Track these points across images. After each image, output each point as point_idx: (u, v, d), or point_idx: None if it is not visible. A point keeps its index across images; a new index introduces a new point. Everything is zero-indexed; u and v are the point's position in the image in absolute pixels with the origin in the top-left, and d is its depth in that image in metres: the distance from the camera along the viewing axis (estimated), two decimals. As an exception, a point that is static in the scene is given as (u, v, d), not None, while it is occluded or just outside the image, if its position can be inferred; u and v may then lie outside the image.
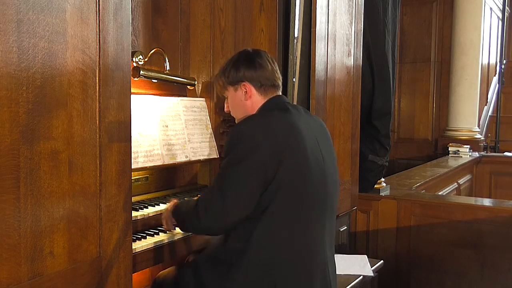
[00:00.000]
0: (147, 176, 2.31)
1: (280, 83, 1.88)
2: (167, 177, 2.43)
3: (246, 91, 1.82)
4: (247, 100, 1.82)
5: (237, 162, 1.64)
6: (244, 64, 1.83)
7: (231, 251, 1.72)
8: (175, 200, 1.95)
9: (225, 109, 1.94)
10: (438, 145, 6.86)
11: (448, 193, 5.08)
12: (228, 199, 1.63)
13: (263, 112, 1.80)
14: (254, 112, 1.82)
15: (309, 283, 1.71)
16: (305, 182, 1.68)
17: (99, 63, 1.51)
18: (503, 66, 8.03)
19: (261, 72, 1.81)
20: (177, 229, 1.98)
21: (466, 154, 6.31)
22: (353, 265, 2.72)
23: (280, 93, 1.89)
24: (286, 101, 1.86)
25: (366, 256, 2.89)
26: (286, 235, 1.67)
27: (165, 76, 2.33)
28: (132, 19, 2.18)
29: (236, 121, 1.92)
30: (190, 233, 1.99)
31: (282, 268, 1.67)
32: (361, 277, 2.59)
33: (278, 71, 1.88)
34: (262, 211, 1.64)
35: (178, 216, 1.84)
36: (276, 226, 1.66)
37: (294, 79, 2.56)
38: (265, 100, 1.82)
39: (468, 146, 6.43)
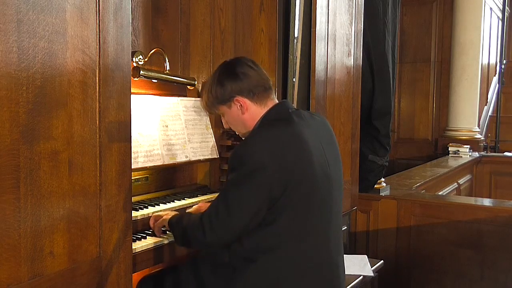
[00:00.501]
0: (147, 176, 2.30)
1: (271, 83, 1.81)
2: (167, 177, 2.43)
3: (241, 105, 1.76)
4: (244, 114, 1.77)
5: (243, 182, 1.61)
6: (228, 78, 1.76)
7: (235, 255, 1.71)
8: (169, 212, 1.93)
9: (224, 126, 1.89)
10: (438, 145, 6.86)
11: (448, 193, 5.08)
12: (235, 218, 1.61)
13: (266, 125, 1.73)
14: (255, 123, 1.76)
15: None
16: (312, 194, 1.66)
17: (99, 63, 1.51)
18: (503, 66, 8.03)
19: (247, 80, 1.74)
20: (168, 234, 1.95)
21: (466, 154, 6.31)
22: (353, 265, 2.72)
23: (274, 94, 1.82)
24: (288, 107, 1.78)
25: (366, 256, 2.89)
26: (293, 246, 1.65)
27: (165, 76, 2.33)
28: (132, 19, 2.18)
29: (241, 136, 1.87)
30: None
31: (288, 279, 1.66)
32: (361, 277, 2.59)
33: (265, 72, 1.82)
34: (269, 223, 1.63)
35: (178, 230, 1.78)
36: (283, 238, 1.64)
37: (294, 79, 2.56)
38: (265, 109, 1.76)
39: (468, 146, 6.43)
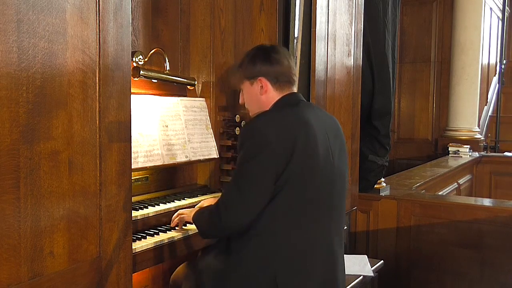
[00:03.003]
0: (147, 176, 2.30)
1: (296, 79, 1.89)
2: (167, 177, 2.43)
3: (262, 86, 1.84)
4: (262, 95, 1.85)
5: (250, 158, 1.67)
6: (261, 59, 1.84)
7: (234, 239, 1.75)
8: (196, 208, 1.98)
9: (240, 101, 1.97)
10: (438, 145, 6.86)
11: (448, 193, 5.08)
12: (245, 195, 1.66)
13: (275, 108, 1.82)
14: (269, 107, 1.84)
15: (309, 277, 1.72)
16: (313, 178, 1.69)
17: (99, 63, 1.51)
18: (503, 66, 8.03)
19: (277, 67, 1.83)
20: (177, 229, 1.99)
21: (466, 154, 6.31)
22: (353, 265, 2.72)
23: (296, 90, 1.90)
24: (300, 98, 1.86)
25: (366, 256, 2.89)
26: (289, 227, 1.68)
27: (165, 76, 2.33)
28: (132, 19, 2.18)
29: (250, 114, 1.95)
30: (190, 233, 1.99)
31: (283, 260, 1.68)
32: (361, 277, 2.59)
33: (295, 68, 1.90)
34: (268, 201, 1.66)
35: (201, 221, 1.84)
36: (280, 218, 1.68)
37: (294, 79, 2.56)
38: (280, 96, 1.84)
39: (468, 146, 6.43)
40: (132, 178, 1.67)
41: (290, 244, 1.69)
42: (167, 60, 2.34)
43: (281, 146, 1.64)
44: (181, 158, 2.28)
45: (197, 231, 1.88)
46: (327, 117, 1.88)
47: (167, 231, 1.98)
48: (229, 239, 1.78)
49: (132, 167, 1.68)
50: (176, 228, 2.01)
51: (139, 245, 1.79)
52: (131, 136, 1.64)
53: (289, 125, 1.69)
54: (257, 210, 1.67)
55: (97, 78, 1.50)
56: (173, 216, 2.03)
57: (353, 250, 3.65)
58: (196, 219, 1.87)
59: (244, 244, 1.71)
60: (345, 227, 3.33)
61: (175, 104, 2.35)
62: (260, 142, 1.65)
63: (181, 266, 2.08)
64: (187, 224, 2.04)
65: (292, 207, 1.68)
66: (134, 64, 2.15)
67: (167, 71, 2.35)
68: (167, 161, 2.20)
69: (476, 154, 6.45)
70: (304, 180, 1.67)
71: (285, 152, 1.64)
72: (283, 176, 1.64)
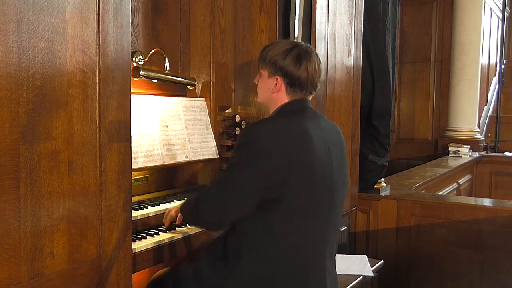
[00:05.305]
0: (147, 176, 2.30)
1: (315, 89, 1.84)
2: (167, 177, 2.43)
3: (277, 84, 1.79)
4: (273, 93, 1.80)
5: (242, 165, 1.65)
6: (291, 59, 1.76)
7: (231, 248, 1.74)
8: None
9: (255, 80, 1.91)
10: (438, 145, 6.87)
11: (448, 193, 5.08)
12: (225, 197, 1.66)
13: (280, 115, 1.78)
14: (275, 105, 1.81)
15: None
16: (311, 193, 1.67)
17: (99, 63, 1.51)
18: (503, 66, 8.03)
19: (301, 74, 1.76)
20: (177, 229, 2.00)
21: (466, 154, 6.31)
22: (353, 265, 2.72)
23: (307, 99, 1.84)
24: (306, 105, 1.81)
25: (366, 256, 2.89)
26: (285, 241, 1.66)
27: (165, 76, 2.33)
28: (132, 19, 2.18)
29: (258, 99, 1.92)
30: (190, 233, 1.99)
31: (279, 273, 1.67)
32: (361, 277, 2.59)
33: (318, 81, 1.84)
34: (264, 215, 1.64)
35: (183, 210, 1.87)
36: (277, 232, 1.65)
37: (294, 79, 2.56)
38: (289, 100, 1.79)
39: (468, 146, 6.43)
40: (132, 178, 1.67)
41: (287, 259, 1.67)
42: (167, 60, 2.34)
43: (279, 159, 1.60)
44: (181, 158, 2.28)
45: (197, 231, 1.87)
46: (329, 127, 1.84)
47: (167, 231, 1.98)
48: (226, 247, 1.75)
49: (132, 167, 1.68)
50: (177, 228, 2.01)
51: (139, 245, 1.79)
52: (131, 136, 1.64)
53: (289, 138, 1.65)
54: (233, 215, 1.67)
55: (97, 78, 1.50)
56: (167, 217, 2.01)
57: (353, 250, 3.65)
58: (181, 208, 1.90)
59: (241, 256, 1.69)
60: (345, 227, 3.33)
61: (175, 104, 2.35)
62: (257, 151, 1.62)
63: (163, 270, 2.04)
64: (187, 224, 2.03)
65: (290, 221, 1.65)
66: (134, 64, 2.15)
67: (167, 71, 2.35)
68: (167, 161, 2.20)
69: (476, 154, 6.45)
70: (302, 195, 1.65)
71: (282, 166, 1.60)
72: (278, 192, 1.61)
